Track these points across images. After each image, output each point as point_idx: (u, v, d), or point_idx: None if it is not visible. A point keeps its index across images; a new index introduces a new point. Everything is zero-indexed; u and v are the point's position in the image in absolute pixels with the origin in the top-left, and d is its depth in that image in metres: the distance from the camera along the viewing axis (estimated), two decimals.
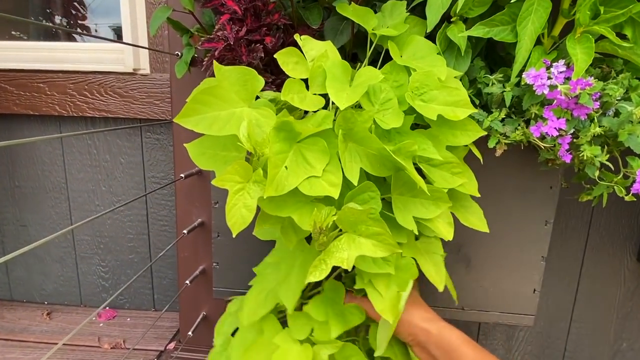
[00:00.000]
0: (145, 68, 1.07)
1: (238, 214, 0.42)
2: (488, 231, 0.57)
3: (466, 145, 0.55)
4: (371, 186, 0.46)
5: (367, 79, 0.48)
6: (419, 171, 0.51)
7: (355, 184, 0.45)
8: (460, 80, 0.59)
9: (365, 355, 0.56)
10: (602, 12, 0.52)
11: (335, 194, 0.43)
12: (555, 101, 0.51)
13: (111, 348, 1.06)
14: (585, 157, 0.54)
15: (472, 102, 0.58)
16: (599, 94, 0.53)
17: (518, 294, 0.72)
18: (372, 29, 0.57)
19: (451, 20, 0.58)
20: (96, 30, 1.26)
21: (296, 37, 0.52)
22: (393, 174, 0.48)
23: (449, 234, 0.52)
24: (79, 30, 1.25)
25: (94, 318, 1.20)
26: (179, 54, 0.77)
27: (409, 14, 0.61)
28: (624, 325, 1.11)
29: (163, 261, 1.21)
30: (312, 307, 0.55)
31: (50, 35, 1.22)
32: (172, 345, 1.07)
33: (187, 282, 0.89)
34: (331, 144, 0.46)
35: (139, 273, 0.98)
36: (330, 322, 0.54)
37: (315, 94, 0.49)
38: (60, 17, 1.32)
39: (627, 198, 0.56)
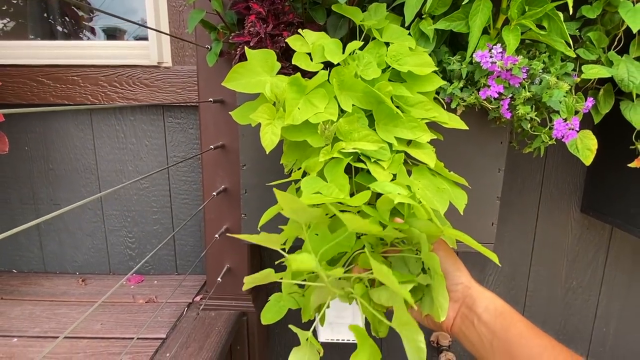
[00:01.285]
0: (168, 61, 1.25)
1: (269, 138, 0.63)
2: (433, 165, 0.72)
3: (434, 92, 0.75)
4: (358, 110, 0.67)
5: (352, 47, 0.69)
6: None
7: (350, 111, 0.65)
8: None
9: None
10: (527, 10, 0.74)
11: (334, 117, 0.63)
12: (494, 73, 0.72)
13: (146, 302, 1.24)
14: (520, 114, 0.76)
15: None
16: (527, 68, 0.75)
17: (480, 227, 0.94)
18: (360, 21, 0.77)
19: (422, 16, 0.79)
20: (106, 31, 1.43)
21: (300, 31, 0.72)
22: (375, 107, 0.67)
23: (431, 162, 0.70)
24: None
25: (124, 282, 1.37)
26: (209, 47, 0.96)
27: (388, 12, 0.82)
28: (573, 267, 1.35)
29: (185, 230, 1.39)
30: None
31: (72, 34, 1.38)
32: (198, 298, 1.25)
33: (217, 235, 1.08)
34: (329, 92, 0.66)
35: (164, 240, 1.16)
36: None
37: (316, 63, 0.70)
38: (69, 19, 1.49)
39: (550, 142, 0.78)
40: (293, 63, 0.69)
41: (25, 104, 1.28)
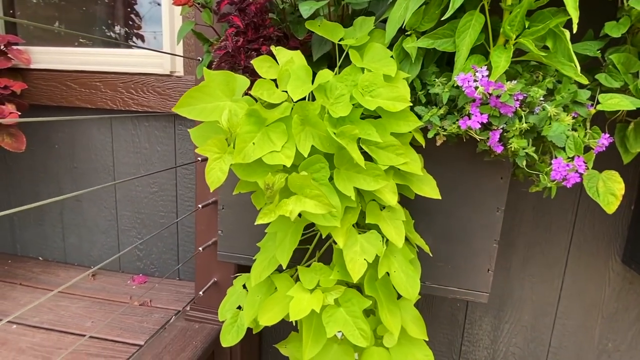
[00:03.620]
0: (180, 71, 1.27)
1: (214, 175, 0.58)
2: (440, 197, 0.69)
3: (411, 132, 0.67)
4: (321, 159, 0.60)
5: (322, 79, 0.62)
6: (366, 154, 0.64)
7: (306, 156, 0.59)
8: (413, 82, 0.71)
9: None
10: (527, 27, 0.62)
11: (288, 163, 0.58)
12: (476, 100, 0.62)
13: (140, 305, 1.26)
14: (513, 148, 0.65)
15: (420, 101, 0.70)
16: (524, 95, 0.63)
17: (474, 273, 0.82)
18: (339, 40, 0.71)
19: (407, 33, 0.70)
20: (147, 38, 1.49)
21: (272, 48, 0.67)
22: (337, 151, 0.61)
23: (392, 201, 0.64)
24: (134, 37, 1.49)
25: (128, 281, 1.42)
26: (201, 59, 0.95)
27: (375, 27, 0.74)
28: (609, 325, 1.14)
29: (188, 237, 1.40)
30: (317, 264, 0.69)
31: (105, 43, 1.47)
32: (189, 307, 1.25)
33: (200, 249, 1.07)
34: (290, 128, 0.61)
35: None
36: (334, 273, 0.68)
37: (283, 91, 0.64)
38: (120, 27, 1.58)
39: (549, 184, 0.65)
40: (253, 94, 0.64)
41: (55, 106, 1.37)
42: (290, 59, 0.65)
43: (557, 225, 1.11)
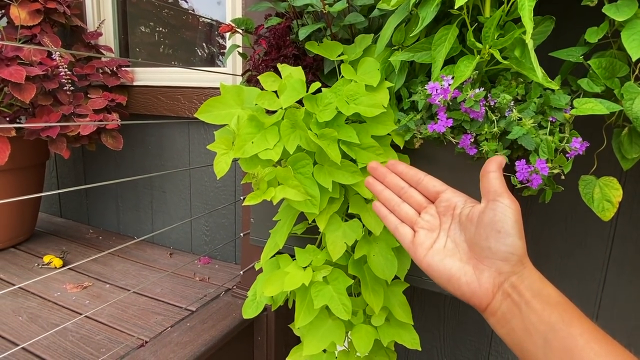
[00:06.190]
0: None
1: (220, 167, 0.74)
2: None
3: (389, 135, 0.76)
4: (306, 156, 0.73)
5: (312, 89, 0.75)
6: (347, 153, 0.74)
7: (291, 153, 0.72)
8: (400, 91, 0.79)
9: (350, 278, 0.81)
10: (495, 38, 0.67)
11: (275, 158, 0.72)
12: (439, 106, 0.68)
13: (200, 280, 1.51)
14: (484, 151, 0.69)
15: (403, 108, 0.78)
16: (494, 100, 0.67)
17: None
18: (337, 57, 0.82)
19: (394, 48, 0.79)
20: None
21: (278, 65, 0.81)
22: (318, 151, 0.73)
23: (369, 194, 0.74)
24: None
25: (196, 261, 1.68)
26: (243, 75, 1.14)
27: (372, 43, 0.84)
28: None
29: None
30: (311, 247, 0.83)
31: (184, 63, 1.77)
32: (235, 286, 1.45)
33: (241, 234, 1.26)
34: (281, 130, 0.74)
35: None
36: (322, 253, 0.81)
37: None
38: (207, 48, 1.89)
39: (518, 185, 0.68)
40: (256, 102, 0.79)
41: (149, 115, 1.71)
42: (289, 74, 0.79)
43: (592, 236, 1.05)
